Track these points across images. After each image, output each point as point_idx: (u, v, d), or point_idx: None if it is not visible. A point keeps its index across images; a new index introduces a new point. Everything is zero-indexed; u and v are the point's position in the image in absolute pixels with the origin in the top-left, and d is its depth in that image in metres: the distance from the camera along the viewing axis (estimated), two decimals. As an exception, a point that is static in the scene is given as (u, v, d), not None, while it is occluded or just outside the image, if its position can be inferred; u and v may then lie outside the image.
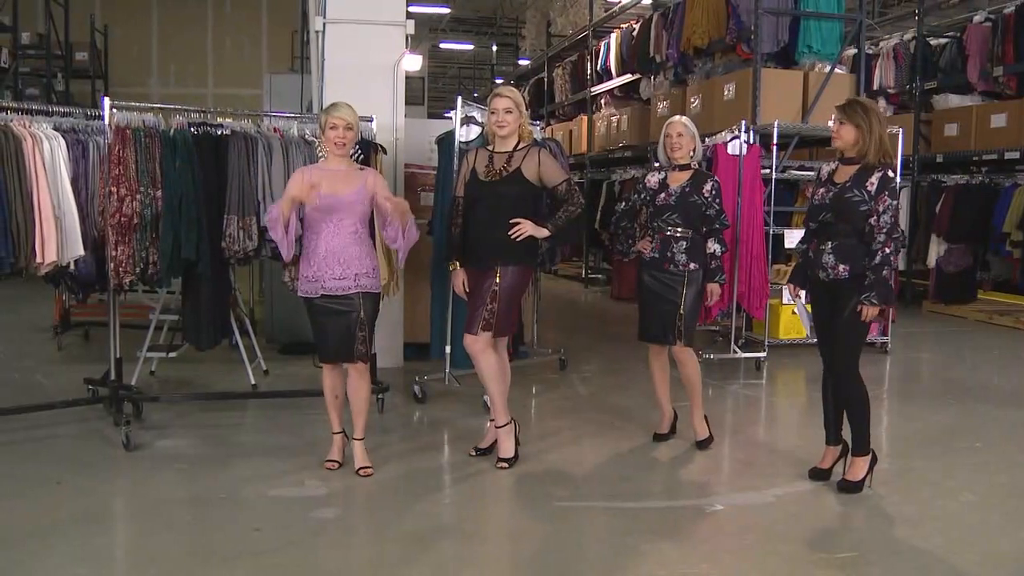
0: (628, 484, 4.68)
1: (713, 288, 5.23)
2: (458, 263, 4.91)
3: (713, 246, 5.18)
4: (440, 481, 4.82)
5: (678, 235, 5.10)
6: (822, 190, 4.53)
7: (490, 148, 4.89)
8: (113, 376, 5.54)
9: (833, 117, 4.52)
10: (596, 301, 12.64)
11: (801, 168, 8.75)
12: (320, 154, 5.43)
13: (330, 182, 4.54)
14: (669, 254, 5.12)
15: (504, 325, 4.84)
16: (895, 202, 4.36)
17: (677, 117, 5.30)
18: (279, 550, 3.71)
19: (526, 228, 4.67)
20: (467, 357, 6.12)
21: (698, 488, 4.68)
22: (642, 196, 5.26)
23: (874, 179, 4.37)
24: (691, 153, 5.19)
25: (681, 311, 5.10)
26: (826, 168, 4.66)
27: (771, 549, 3.81)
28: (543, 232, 4.73)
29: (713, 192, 5.15)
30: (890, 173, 4.42)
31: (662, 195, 5.15)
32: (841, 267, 4.42)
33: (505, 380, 4.94)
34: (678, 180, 5.18)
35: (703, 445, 5.26)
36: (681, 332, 5.13)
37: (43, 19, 14.81)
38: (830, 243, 4.46)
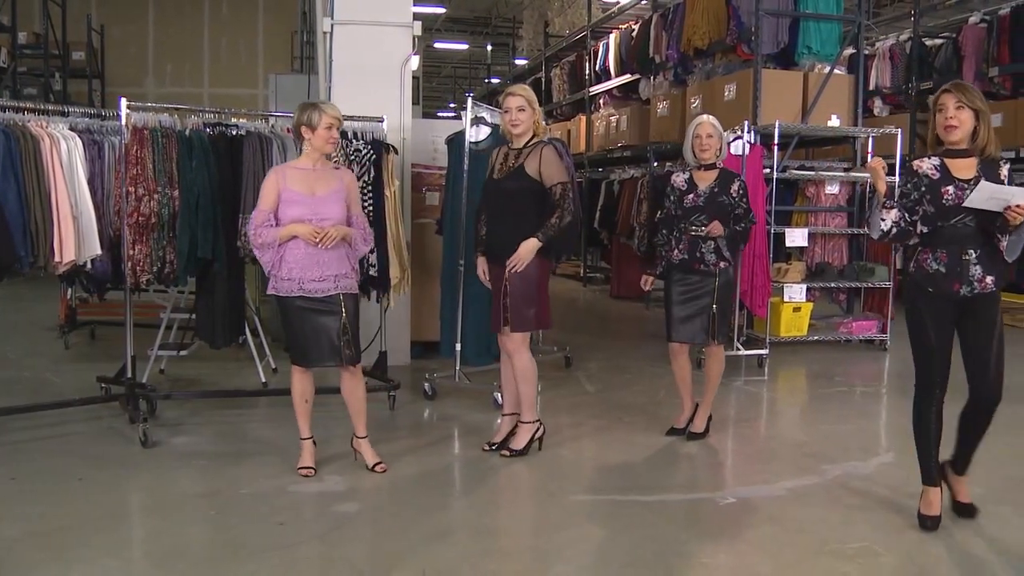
0: (641, 478, 4.77)
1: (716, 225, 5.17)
2: (481, 254, 5.04)
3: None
4: (456, 476, 4.89)
5: (703, 234, 5.19)
6: (951, 188, 3.79)
7: (510, 145, 4.96)
8: (128, 374, 5.59)
9: (941, 103, 3.81)
10: (596, 299, 12.74)
11: (801, 168, 8.87)
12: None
13: (307, 182, 4.46)
14: (698, 254, 5.19)
15: (521, 320, 4.84)
16: None
17: (705, 117, 5.34)
18: (305, 543, 3.78)
19: (521, 255, 4.73)
20: (477, 355, 6.24)
21: (711, 482, 4.78)
22: (671, 199, 5.33)
23: (1004, 172, 3.84)
24: (717, 153, 5.27)
25: (714, 310, 5.19)
26: (927, 163, 3.90)
27: (786, 540, 3.91)
28: (534, 244, 4.73)
29: (741, 192, 5.25)
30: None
31: (690, 196, 5.23)
32: (988, 279, 3.82)
33: (527, 378, 4.96)
34: (705, 180, 5.26)
35: (695, 437, 5.38)
36: (715, 332, 5.22)
37: (40, 19, 14.87)
38: (974, 252, 3.80)
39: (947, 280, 3.83)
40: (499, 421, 5.25)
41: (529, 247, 4.73)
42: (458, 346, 6.32)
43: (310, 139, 4.49)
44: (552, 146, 4.87)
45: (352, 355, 4.55)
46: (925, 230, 3.89)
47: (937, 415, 4.06)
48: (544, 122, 4.99)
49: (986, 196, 3.70)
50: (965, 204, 3.74)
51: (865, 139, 9.01)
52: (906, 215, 3.89)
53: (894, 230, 3.91)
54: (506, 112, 4.85)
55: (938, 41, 11.95)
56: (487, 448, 5.10)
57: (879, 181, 4.01)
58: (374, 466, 4.66)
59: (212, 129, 5.61)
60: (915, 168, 3.93)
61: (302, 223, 4.38)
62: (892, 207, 3.91)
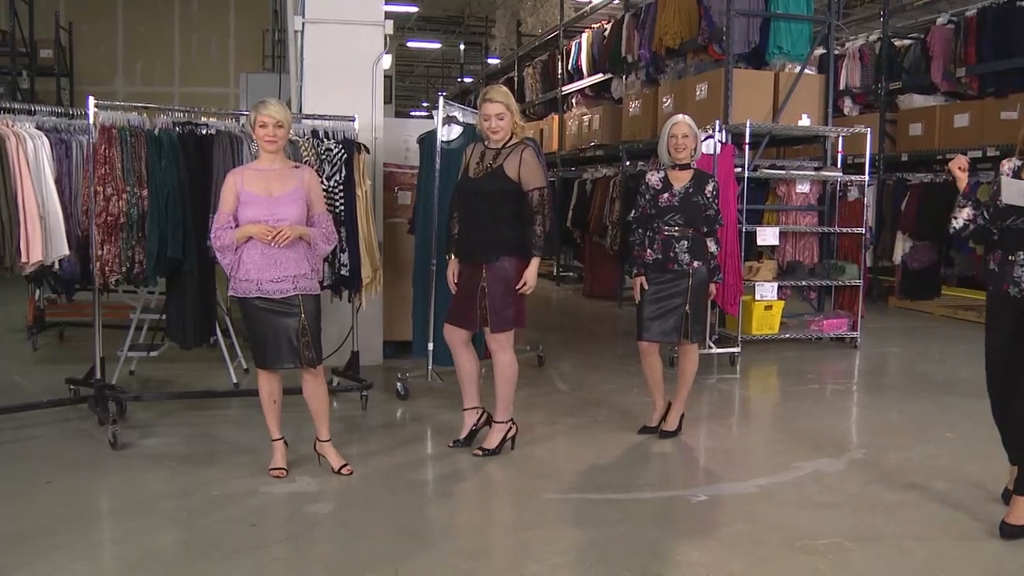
0: (614, 476, 4.78)
1: (712, 288, 5.40)
2: (453, 255, 5.02)
3: (713, 246, 5.31)
4: (429, 475, 4.88)
5: (676, 234, 5.19)
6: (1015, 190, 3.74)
7: (486, 144, 4.94)
8: (98, 375, 5.53)
9: None
10: (569, 299, 12.74)
11: (772, 167, 8.93)
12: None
13: (264, 182, 4.43)
14: (672, 254, 5.20)
15: (501, 320, 4.86)
16: None
17: (681, 117, 5.34)
18: (279, 544, 3.76)
19: (529, 280, 4.80)
20: (449, 355, 6.20)
21: (683, 479, 4.80)
22: (646, 197, 5.33)
23: None
24: (692, 153, 5.28)
25: (687, 310, 5.20)
26: (1008, 164, 3.90)
27: (758, 537, 3.93)
28: (536, 264, 4.83)
29: (714, 192, 5.28)
30: None
31: (665, 195, 5.24)
32: None
33: (507, 378, 5.01)
34: (680, 180, 5.27)
35: (668, 435, 5.39)
36: (688, 331, 5.23)
37: (7, 16, 14.66)
38: (1022, 253, 3.77)
39: (999, 279, 3.83)
40: (464, 416, 5.22)
41: (533, 269, 4.82)
42: (430, 345, 6.31)
43: (256, 139, 4.51)
44: (531, 149, 4.87)
45: (312, 357, 4.50)
46: (995, 230, 3.87)
47: (1000, 414, 4.00)
48: (521, 121, 4.98)
49: (1014, 193, 3.71)
50: (1002, 200, 3.78)
51: (835, 138, 9.09)
52: (984, 213, 3.88)
53: (969, 227, 3.94)
54: (485, 119, 4.83)
55: (907, 42, 12.08)
56: (452, 445, 5.11)
57: (959, 183, 3.97)
58: (340, 468, 4.62)
59: (182, 128, 5.56)
60: (999, 167, 3.94)
61: (257, 224, 4.36)
62: (965, 206, 3.93)
